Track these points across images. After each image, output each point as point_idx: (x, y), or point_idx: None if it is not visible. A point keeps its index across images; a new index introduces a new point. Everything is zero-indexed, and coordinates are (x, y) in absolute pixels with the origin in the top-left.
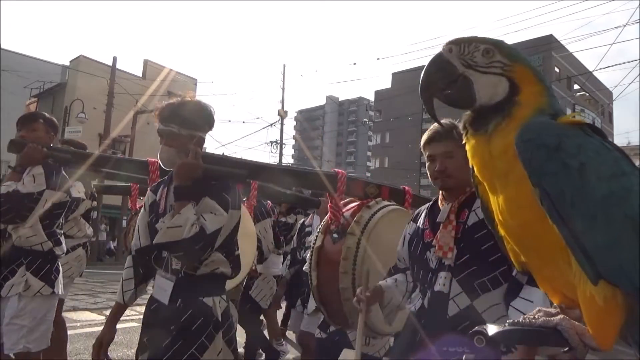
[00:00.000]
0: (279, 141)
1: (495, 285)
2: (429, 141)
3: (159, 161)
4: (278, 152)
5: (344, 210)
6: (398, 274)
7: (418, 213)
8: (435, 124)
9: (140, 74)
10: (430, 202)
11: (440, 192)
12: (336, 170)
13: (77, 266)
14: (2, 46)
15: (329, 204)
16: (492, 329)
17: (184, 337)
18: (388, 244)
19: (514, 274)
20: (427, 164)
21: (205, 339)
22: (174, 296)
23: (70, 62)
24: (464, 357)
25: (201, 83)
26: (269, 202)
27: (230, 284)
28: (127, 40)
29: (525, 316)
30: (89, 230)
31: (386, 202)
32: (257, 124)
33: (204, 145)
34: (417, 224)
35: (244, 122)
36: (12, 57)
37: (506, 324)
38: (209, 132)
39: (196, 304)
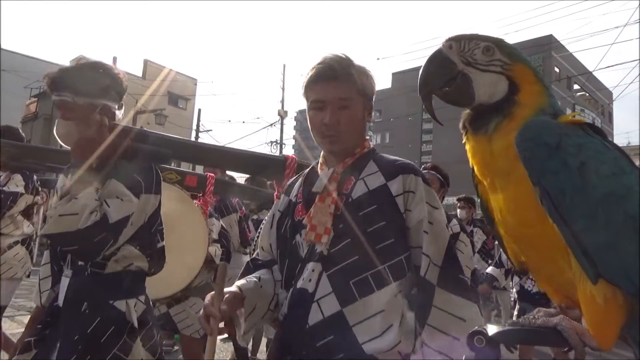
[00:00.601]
0: (279, 141)
1: (380, 284)
2: (316, 79)
3: (57, 137)
4: (278, 152)
5: None
6: (261, 269)
7: (292, 183)
8: (325, 57)
9: (140, 74)
10: (309, 168)
11: (322, 154)
12: (285, 154)
13: (19, 266)
14: (2, 46)
15: (276, 192)
16: (492, 329)
17: (92, 351)
18: None
19: (421, 273)
20: (309, 114)
21: (119, 351)
22: (75, 297)
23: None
24: (463, 357)
25: (201, 83)
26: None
27: (180, 285)
28: (127, 40)
29: (525, 316)
30: (28, 229)
31: None
32: (257, 124)
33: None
34: (289, 196)
35: (244, 122)
36: (12, 57)
37: (506, 324)
38: (209, 132)
39: (106, 309)
